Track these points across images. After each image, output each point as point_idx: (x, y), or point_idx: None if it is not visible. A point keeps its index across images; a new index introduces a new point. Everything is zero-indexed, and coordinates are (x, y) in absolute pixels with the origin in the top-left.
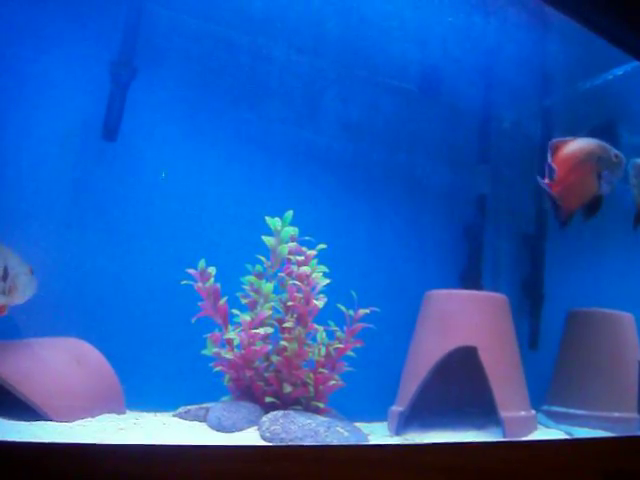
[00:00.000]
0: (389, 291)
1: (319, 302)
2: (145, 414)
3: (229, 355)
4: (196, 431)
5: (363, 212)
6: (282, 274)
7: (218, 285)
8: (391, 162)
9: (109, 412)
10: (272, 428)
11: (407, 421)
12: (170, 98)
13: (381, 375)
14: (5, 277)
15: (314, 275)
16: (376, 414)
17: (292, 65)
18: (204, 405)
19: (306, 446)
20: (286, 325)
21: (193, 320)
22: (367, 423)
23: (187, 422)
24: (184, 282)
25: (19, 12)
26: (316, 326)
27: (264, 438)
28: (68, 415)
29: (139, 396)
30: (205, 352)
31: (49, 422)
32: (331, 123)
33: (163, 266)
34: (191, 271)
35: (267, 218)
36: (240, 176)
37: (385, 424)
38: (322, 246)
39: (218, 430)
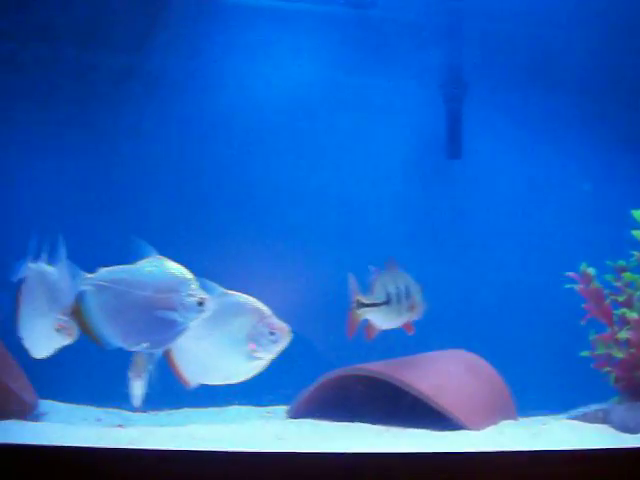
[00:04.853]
0: None
1: None
2: (534, 418)
3: (621, 355)
4: (604, 433)
5: None
6: None
7: (600, 286)
8: None
9: (506, 419)
10: None
11: None
12: (509, 107)
13: None
14: (408, 296)
15: None
16: None
17: None
18: (598, 407)
19: None
20: None
21: (582, 322)
22: None
23: (589, 425)
24: (568, 285)
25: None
26: None
27: None
28: (478, 423)
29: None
30: (584, 354)
31: (464, 431)
32: None
33: (516, 272)
34: (572, 274)
35: (634, 211)
36: (594, 175)
37: None
38: None
39: (623, 431)
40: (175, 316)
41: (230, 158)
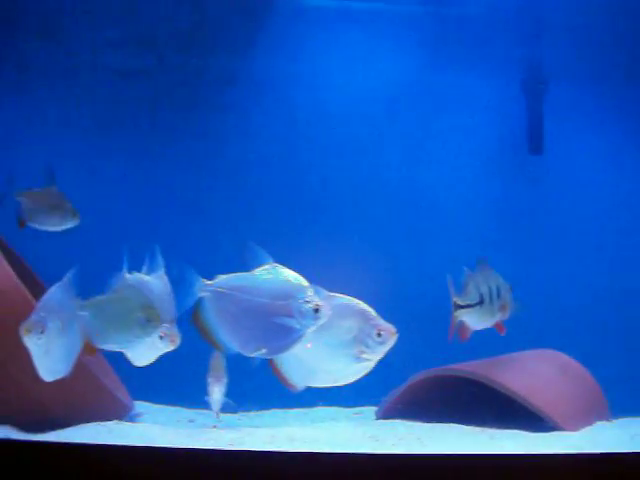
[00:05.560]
0: None
1: None
2: (629, 419)
3: None
4: None
5: None
6: None
7: None
8: None
9: (600, 419)
10: None
11: None
12: (591, 102)
13: None
14: (499, 296)
15: None
16: None
17: None
18: None
19: None
20: None
21: None
22: None
23: None
24: None
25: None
26: None
27: None
28: (574, 424)
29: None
30: None
31: (558, 432)
32: None
33: (606, 269)
34: None
35: None
36: None
37: None
38: None
39: None
40: (293, 323)
41: (325, 159)
